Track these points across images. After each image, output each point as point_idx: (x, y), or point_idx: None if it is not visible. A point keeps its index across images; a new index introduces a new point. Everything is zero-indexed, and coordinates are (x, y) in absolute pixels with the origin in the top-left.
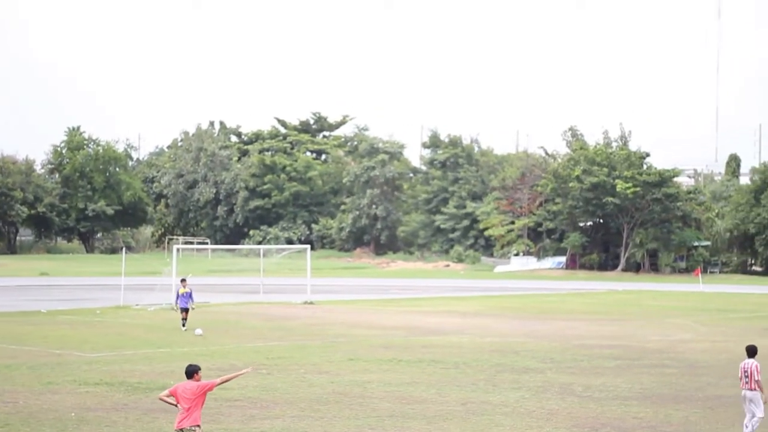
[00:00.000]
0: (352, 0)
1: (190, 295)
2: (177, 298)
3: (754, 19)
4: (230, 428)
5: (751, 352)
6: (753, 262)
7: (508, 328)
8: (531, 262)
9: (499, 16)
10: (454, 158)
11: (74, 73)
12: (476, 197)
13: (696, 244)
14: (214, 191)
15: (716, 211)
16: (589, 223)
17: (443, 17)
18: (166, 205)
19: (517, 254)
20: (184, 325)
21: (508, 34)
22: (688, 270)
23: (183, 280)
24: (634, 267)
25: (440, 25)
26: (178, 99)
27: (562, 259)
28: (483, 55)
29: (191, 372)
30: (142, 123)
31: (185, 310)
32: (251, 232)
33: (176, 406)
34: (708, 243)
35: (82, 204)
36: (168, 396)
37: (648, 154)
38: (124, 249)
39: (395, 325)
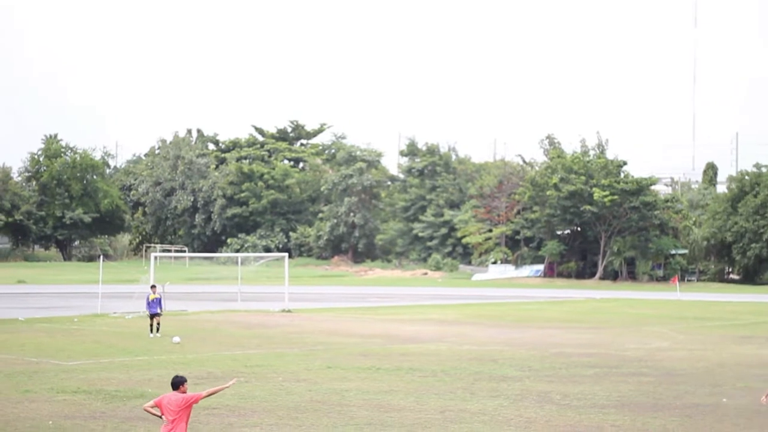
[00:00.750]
0: (329, 9)
1: (159, 302)
2: (147, 304)
3: (730, 27)
4: None
5: None
6: (730, 270)
7: (486, 336)
8: (509, 270)
9: (476, 26)
10: (431, 166)
11: (52, 80)
12: (454, 205)
13: (673, 252)
14: (192, 199)
15: (693, 219)
16: (566, 231)
17: (421, 26)
18: (144, 213)
19: (494, 262)
20: (152, 331)
21: (485, 42)
22: (665, 278)
23: (153, 287)
24: (612, 275)
25: (418, 33)
26: (156, 107)
27: (540, 267)
28: (460, 63)
29: (177, 383)
30: (120, 131)
31: (153, 316)
32: (229, 240)
33: (161, 417)
34: (685, 251)
35: (59, 212)
36: (153, 407)
37: (625, 163)
38: (101, 257)
39: (373, 333)
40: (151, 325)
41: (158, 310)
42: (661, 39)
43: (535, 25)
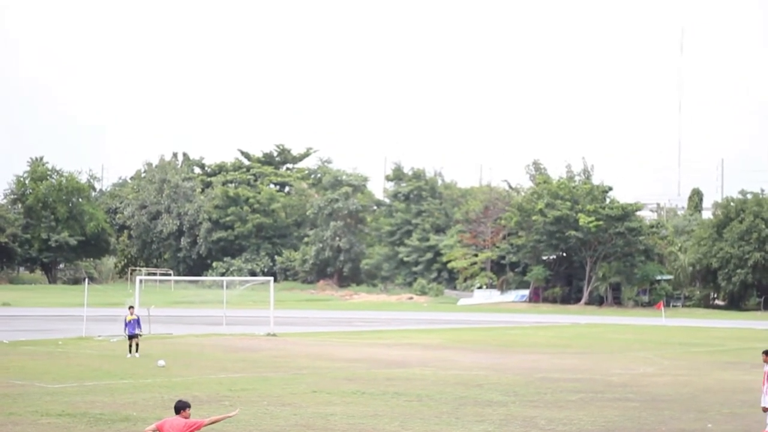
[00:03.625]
0: (316, 33)
1: (137, 322)
2: (125, 325)
3: (716, 54)
4: None
5: None
6: (715, 296)
7: (472, 361)
8: (494, 295)
9: (462, 51)
10: (417, 191)
11: (37, 103)
12: (439, 230)
13: (659, 278)
14: (178, 223)
15: (679, 245)
16: (552, 257)
17: (406, 50)
18: (129, 236)
19: (480, 287)
20: (130, 352)
21: (471, 67)
22: (650, 304)
23: (131, 308)
24: (597, 300)
25: (404, 59)
26: (142, 130)
27: (526, 292)
28: (447, 88)
29: (180, 408)
30: (106, 154)
31: (132, 337)
32: (214, 264)
33: None
34: (671, 277)
35: (44, 234)
36: (154, 430)
37: (611, 188)
38: (86, 280)
39: (358, 358)
40: (130, 346)
41: (136, 331)
42: (646, 66)
43: (521, 51)
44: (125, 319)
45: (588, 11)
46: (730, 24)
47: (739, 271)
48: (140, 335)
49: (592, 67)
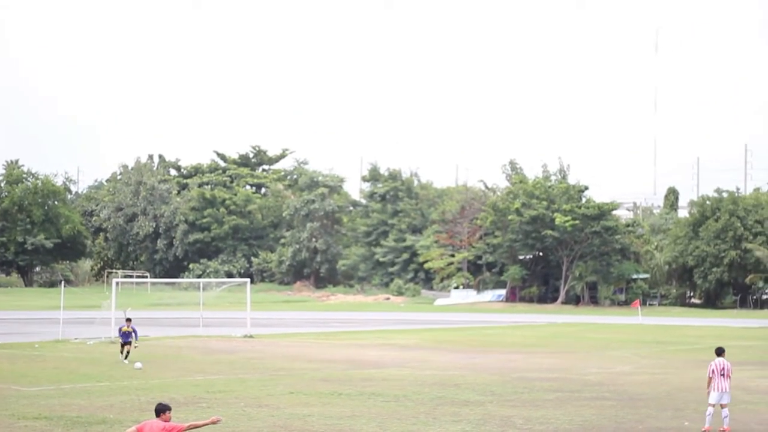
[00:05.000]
0: (290, 35)
1: (132, 334)
2: (120, 333)
3: (691, 53)
4: None
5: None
6: (692, 294)
7: (448, 361)
8: (471, 295)
9: (436, 50)
10: (393, 191)
11: (12, 105)
12: (416, 230)
13: (635, 276)
14: (154, 225)
15: (655, 243)
16: (528, 256)
17: (381, 51)
18: (106, 239)
19: (456, 287)
20: (122, 353)
21: (447, 68)
22: (627, 302)
23: (128, 320)
24: (574, 300)
25: (379, 59)
26: (118, 133)
27: (502, 292)
28: (422, 88)
29: (161, 411)
30: (81, 156)
31: (125, 344)
32: (191, 266)
33: None
34: (647, 275)
35: (20, 237)
36: None
37: (587, 188)
38: (62, 282)
39: (335, 359)
40: (122, 352)
41: (130, 340)
42: (622, 65)
43: (498, 51)
44: (120, 329)
45: (564, 11)
46: (705, 24)
47: (715, 269)
48: (135, 346)
49: (568, 67)
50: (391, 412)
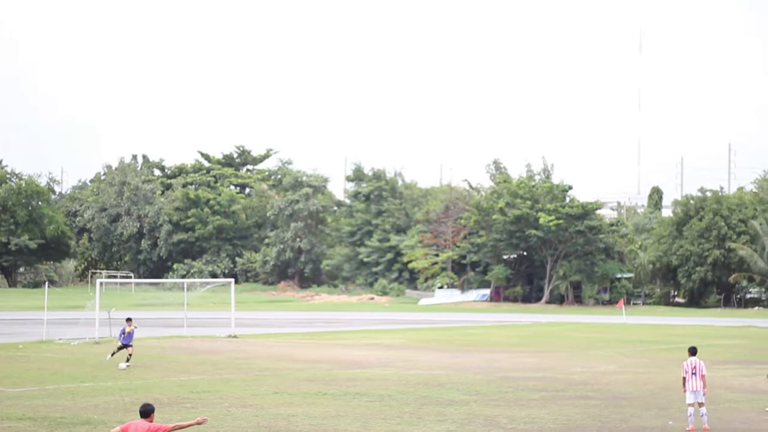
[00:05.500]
0: (273, 34)
1: (131, 335)
2: (121, 334)
3: (675, 53)
4: None
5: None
6: (676, 293)
7: (433, 360)
8: (455, 295)
9: (421, 50)
10: (377, 191)
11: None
12: (400, 230)
13: (619, 276)
14: (138, 225)
15: (639, 243)
16: (512, 256)
17: (365, 51)
18: (90, 239)
19: (441, 287)
20: (112, 355)
21: (431, 67)
22: (611, 302)
23: (128, 319)
24: (558, 299)
25: (363, 58)
26: (101, 133)
27: (486, 291)
28: (406, 88)
29: (147, 412)
30: (65, 157)
31: (126, 347)
32: (175, 266)
33: None
34: (631, 275)
35: (4, 238)
36: None
37: (571, 187)
38: (47, 283)
39: (320, 359)
40: (119, 351)
41: (131, 343)
42: (606, 66)
43: (481, 51)
44: (123, 329)
45: (548, 12)
46: (689, 24)
47: (698, 268)
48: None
49: (553, 66)
50: (376, 411)
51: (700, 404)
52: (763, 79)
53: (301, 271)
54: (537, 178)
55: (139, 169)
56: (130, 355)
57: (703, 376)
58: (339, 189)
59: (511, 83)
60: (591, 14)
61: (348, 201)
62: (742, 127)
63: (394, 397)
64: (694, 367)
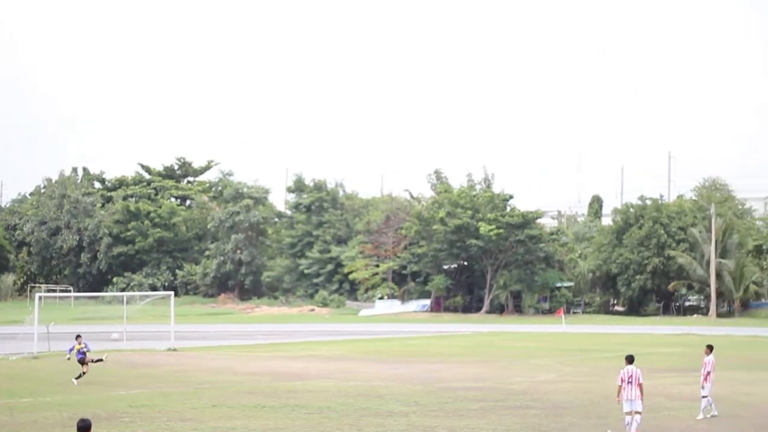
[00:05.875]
0: (215, 45)
1: (82, 352)
2: (70, 351)
3: (613, 62)
4: None
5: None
6: (615, 302)
7: (373, 371)
8: (395, 306)
9: (360, 60)
10: (318, 202)
11: None
12: (341, 241)
13: (559, 284)
14: (78, 238)
15: (579, 252)
16: (453, 266)
17: (304, 62)
18: (29, 253)
19: (381, 298)
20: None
21: (370, 77)
22: (551, 311)
23: (78, 337)
24: (498, 309)
25: (302, 69)
26: (41, 145)
27: (427, 301)
28: (346, 99)
29: (83, 428)
30: (4, 170)
31: (83, 363)
32: (115, 279)
33: None
34: (571, 283)
35: None
36: None
37: (511, 197)
38: None
39: (260, 371)
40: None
41: (88, 355)
42: (545, 73)
43: (420, 58)
44: (73, 347)
45: (485, 22)
46: (625, 33)
47: (638, 276)
48: (67, 357)
49: (493, 75)
50: (315, 424)
51: (638, 412)
52: (697, 88)
53: (241, 283)
54: (478, 187)
55: (79, 181)
56: (84, 372)
57: (640, 385)
58: (280, 200)
59: (451, 93)
60: (533, 21)
61: (289, 212)
62: (682, 135)
63: (333, 408)
64: (630, 375)
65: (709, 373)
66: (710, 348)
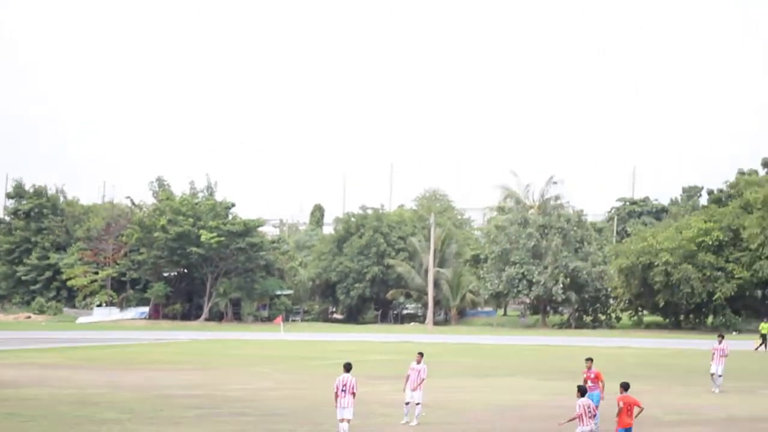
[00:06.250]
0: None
1: None
2: None
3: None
4: None
5: None
6: (334, 309)
7: (89, 379)
8: (114, 313)
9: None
10: (38, 208)
11: None
12: (60, 248)
13: (279, 293)
14: None
15: (300, 260)
16: (173, 273)
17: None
18: None
19: (99, 305)
20: None
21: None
22: (270, 318)
23: None
24: (218, 316)
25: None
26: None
27: (146, 309)
28: (68, 106)
29: None
30: None
31: None
32: None
33: None
34: (291, 291)
35: None
36: None
37: (234, 205)
38: None
39: None
40: None
41: None
42: (261, 84)
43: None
44: None
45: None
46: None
47: (357, 285)
48: None
49: (223, 88)
50: None
51: (348, 420)
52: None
53: None
54: (200, 195)
55: None
56: None
57: (353, 393)
58: None
59: (177, 101)
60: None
61: (7, 218)
62: (403, 145)
63: (46, 417)
64: (345, 384)
65: (423, 380)
66: (421, 355)
